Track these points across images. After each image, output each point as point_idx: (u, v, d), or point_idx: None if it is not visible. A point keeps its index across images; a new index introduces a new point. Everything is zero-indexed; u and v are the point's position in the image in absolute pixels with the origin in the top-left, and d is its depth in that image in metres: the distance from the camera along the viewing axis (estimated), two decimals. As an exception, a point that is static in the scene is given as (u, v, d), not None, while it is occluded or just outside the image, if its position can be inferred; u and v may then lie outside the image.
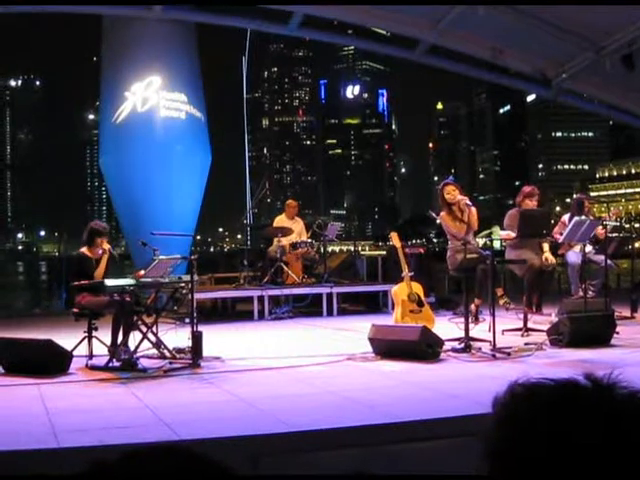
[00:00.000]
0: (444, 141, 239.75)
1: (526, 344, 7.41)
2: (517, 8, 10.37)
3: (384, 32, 14.47)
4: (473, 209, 8.41)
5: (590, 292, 9.57)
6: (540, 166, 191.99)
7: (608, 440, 0.86)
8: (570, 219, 9.44)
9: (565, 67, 11.74)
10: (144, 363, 6.73)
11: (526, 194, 9.04)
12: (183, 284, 7.57)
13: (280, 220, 12.60)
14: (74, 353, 6.89)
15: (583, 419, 0.87)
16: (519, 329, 8.33)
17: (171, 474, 0.92)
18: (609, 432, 0.86)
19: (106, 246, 7.60)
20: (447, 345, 7.17)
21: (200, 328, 7.10)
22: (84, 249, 7.66)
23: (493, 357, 6.87)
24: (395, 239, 8.95)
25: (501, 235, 8.50)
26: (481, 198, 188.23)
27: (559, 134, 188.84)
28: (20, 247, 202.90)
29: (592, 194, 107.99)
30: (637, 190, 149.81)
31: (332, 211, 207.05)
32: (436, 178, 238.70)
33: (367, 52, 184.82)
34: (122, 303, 7.11)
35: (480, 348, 7.16)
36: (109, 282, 7.03)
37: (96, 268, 7.52)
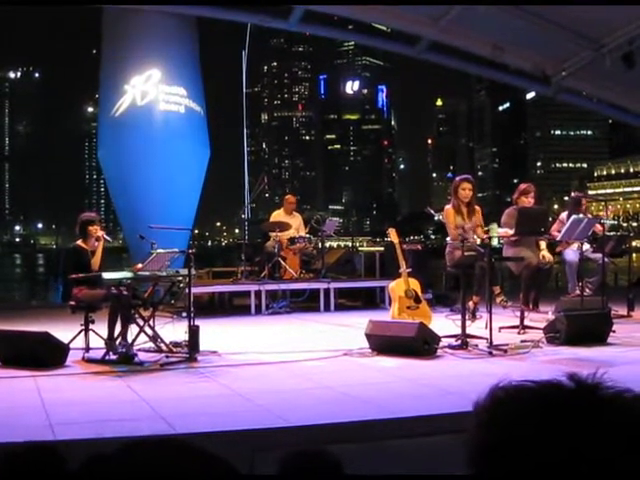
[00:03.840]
0: (443, 138, 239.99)
1: (523, 342, 7.41)
2: (517, 6, 10.37)
3: (385, 28, 14.46)
4: (479, 211, 8.58)
5: (587, 290, 9.60)
6: (539, 164, 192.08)
7: (593, 442, 0.84)
8: (568, 217, 9.46)
9: (565, 65, 11.73)
10: (141, 356, 6.74)
11: (521, 191, 9.06)
12: (180, 278, 7.56)
13: (278, 215, 12.60)
14: (71, 346, 6.89)
15: (567, 421, 0.86)
16: (516, 326, 8.33)
17: (168, 466, 0.93)
18: (594, 434, 0.84)
19: (100, 232, 7.61)
20: (444, 342, 7.17)
21: (197, 322, 7.09)
22: (79, 242, 7.67)
23: (490, 354, 6.88)
24: (393, 235, 8.95)
25: (499, 233, 8.51)
26: (479, 195, 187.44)
27: (558, 132, 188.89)
28: (17, 239, 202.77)
29: (590, 192, 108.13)
30: (635, 189, 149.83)
31: (330, 206, 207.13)
32: (434, 174, 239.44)
33: (367, 48, 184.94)
34: (119, 296, 7.10)
35: (477, 345, 7.17)
36: (106, 275, 7.03)
37: (92, 258, 7.55)
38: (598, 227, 9.51)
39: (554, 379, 0.91)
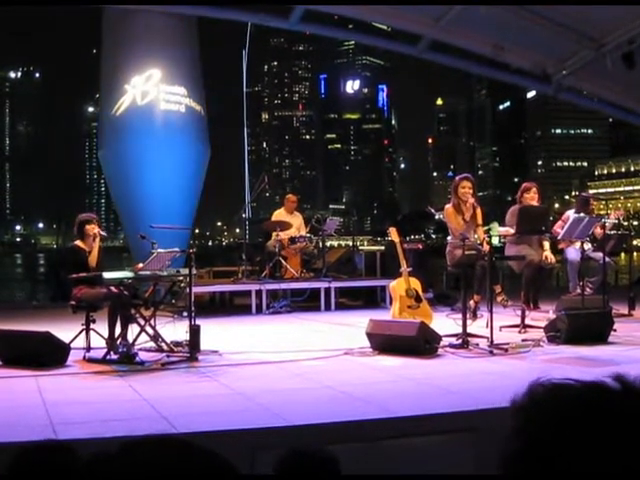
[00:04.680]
0: (443, 137, 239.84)
1: (523, 341, 7.42)
2: (518, 5, 10.37)
3: (385, 27, 14.46)
4: (479, 210, 8.57)
5: (588, 289, 9.60)
6: (539, 163, 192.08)
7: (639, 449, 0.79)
8: (574, 216, 9.47)
9: (566, 64, 11.72)
10: (142, 356, 6.73)
11: (522, 189, 9.12)
12: (181, 277, 7.57)
13: (279, 214, 12.60)
14: (72, 345, 6.90)
15: (612, 425, 0.80)
16: (517, 325, 8.34)
17: (169, 465, 0.93)
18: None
19: (95, 230, 7.62)
20: (445, 341, 7.17)
21: (198, 322, 7.10)
22: (77, 242, 7.68)
23: (490, 353, 6.88)
24: (394, 234, 8.95)
25: (500, 231, 8.51)
26: (480, 194, 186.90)
27: (558, 131, 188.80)
28: (18, 239, 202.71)
29: (591, 191, 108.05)
30: (636, 188, 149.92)
31: (331, 206, 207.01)
32: (435, 174, 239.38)
33: (367, 47, 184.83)
34: (119, 296, 7.11)
35: (477, 344, 7.17)
36: (107, 275, 7.04)
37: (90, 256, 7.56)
38: (598, 230, 9.52)
39: (598, 379, 0.86)
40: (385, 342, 7.06)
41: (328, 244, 14.26)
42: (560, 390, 0.86)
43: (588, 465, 0.79)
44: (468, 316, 7.62)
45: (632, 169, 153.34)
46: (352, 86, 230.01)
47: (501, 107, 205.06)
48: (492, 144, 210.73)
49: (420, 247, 12.51)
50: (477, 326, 7.85)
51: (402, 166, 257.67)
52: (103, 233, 7.78)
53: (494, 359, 6.72)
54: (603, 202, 14.63)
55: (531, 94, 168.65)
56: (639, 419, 0.81)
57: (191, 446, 0.97)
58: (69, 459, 1.11)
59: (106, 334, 7.10)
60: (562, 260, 10.19)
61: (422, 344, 6.86)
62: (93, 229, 7.63)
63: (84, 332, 7.21)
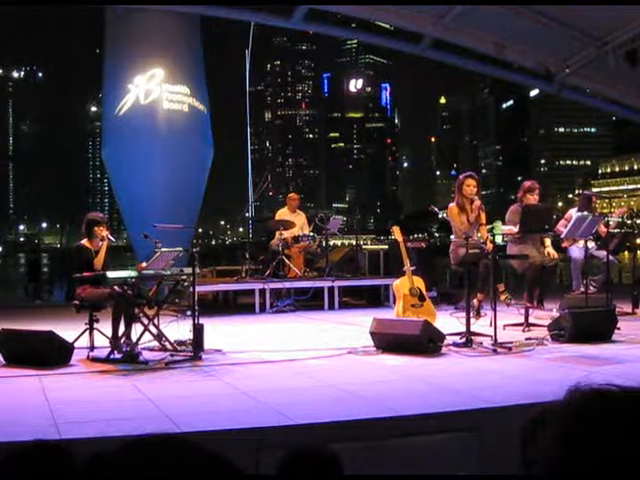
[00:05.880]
0: (446, 135, 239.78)
1: (527, 339, 7.42)
2: (520, 5, 10.36)
3: (388, 26, 14.47)
4: (483, 213, 8.56)
5: (591, 287, 9.59)
6: (542, 161, 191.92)
7: None
8: (578, 214, 9.47)
9: (568, 62, 11.70)
10: (145, 355, 6.74)
11: (526, 189, 9.08)
12: (185, 276, 7.57)
13: (282, 213, 12.60)
14: (75, 345, 6.90)
15: None
16: (520, 324, 8.33)
17: (172, 464, 0.93)
18: None
19: (104, 233, 7.61)
20: (448, 339, 7.17)
21: (201, 321, 7.10)
22: (84, 241, 7.68)
23: (494, 352, 6.88)
24: (397, 233, 8.94)
25: (503, 230, 8.50)
26: (483, 193, 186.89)
27: (562, 129, 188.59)
28: (22, 239, 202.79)
29: (594, 190, 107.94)
30: (639, 186, 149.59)
31: (334, 205, 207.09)
32: (438, 172, 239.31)
33: (370, 46, 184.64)
34: (122, 295, 7.11)
35: (481, 343, 7.16)
36: (110, 274, 7.04)
37: (96, 257, 7.56)
38: (602, 228, 9.52)
39: None
40: (389, 341, 7.06)
41: (331, 243, 14.25)
42: (601, 397, 0.81)
43: (630, 475, 0.75)
44: (472, 315, 7.62)
45: (635, 167, 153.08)
46: (355, 85, 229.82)
47: (504, 106, 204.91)
48: (495, 143, 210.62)
49: (423, 246, 12.51)
50: (481, 325, 7.85)
51: (405, 165, 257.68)
52: (112, 238, 7.76)
53: (498, 358, 6.71)
54: (607, 200, 14.60)
55: (534, 93, 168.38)
56: None
57: (193, 446, 0.96)
58: (60, 459, 1.11)
59: (110, 333, 7.11)
60: (566, 258, 10.18)
61: (426, 343, 6.86)
62: (102, 231, 7.62)
63: (88, 331, 7.22)
